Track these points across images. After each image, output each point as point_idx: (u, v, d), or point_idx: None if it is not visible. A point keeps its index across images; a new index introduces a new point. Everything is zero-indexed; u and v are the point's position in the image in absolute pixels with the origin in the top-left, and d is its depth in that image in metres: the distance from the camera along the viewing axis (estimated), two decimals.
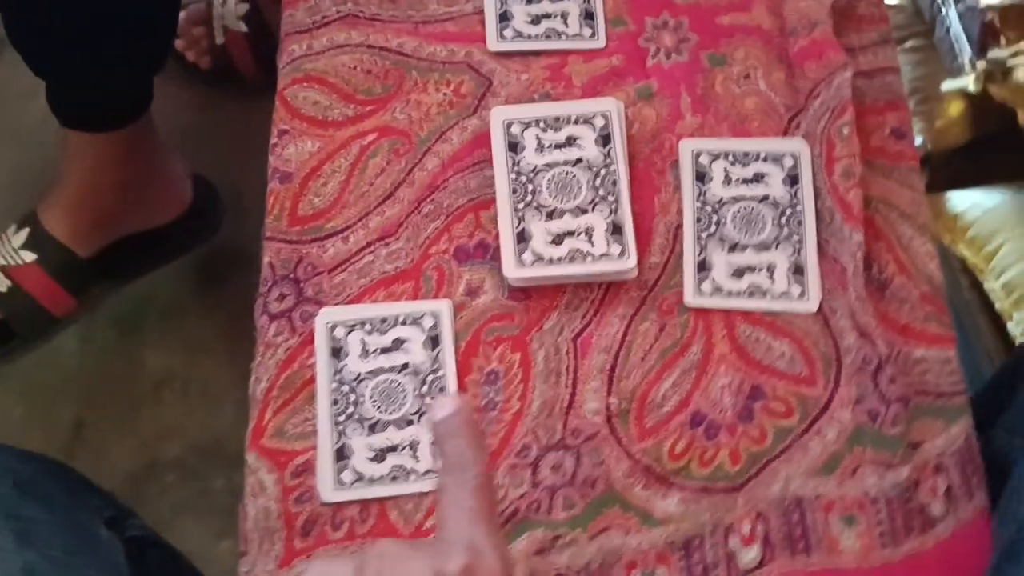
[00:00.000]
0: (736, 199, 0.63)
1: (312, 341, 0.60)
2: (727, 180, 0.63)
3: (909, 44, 1.07)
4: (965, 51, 0.90)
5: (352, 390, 0.58)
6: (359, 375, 0.59)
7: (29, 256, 1.01)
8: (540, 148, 0.63)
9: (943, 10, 0.94)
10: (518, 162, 0.62)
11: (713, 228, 0.62)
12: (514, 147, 0.63)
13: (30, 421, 1.15)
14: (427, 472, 0.56)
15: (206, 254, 1.18)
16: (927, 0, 0.98)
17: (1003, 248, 1.01)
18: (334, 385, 0.58)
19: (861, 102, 0.65)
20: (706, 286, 0.61)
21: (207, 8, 1.18)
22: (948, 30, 0.93)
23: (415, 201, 0.63)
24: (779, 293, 0.61)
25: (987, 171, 1.09)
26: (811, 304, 0.61)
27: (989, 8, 0.87)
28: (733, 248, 0.62)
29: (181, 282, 1.18)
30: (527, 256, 0.60)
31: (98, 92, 0.93)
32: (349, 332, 0.59)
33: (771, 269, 0.61)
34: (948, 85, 0.94)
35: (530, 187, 0.62)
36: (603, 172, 0.62)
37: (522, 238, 0.61)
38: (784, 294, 0.61)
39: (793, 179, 0.63)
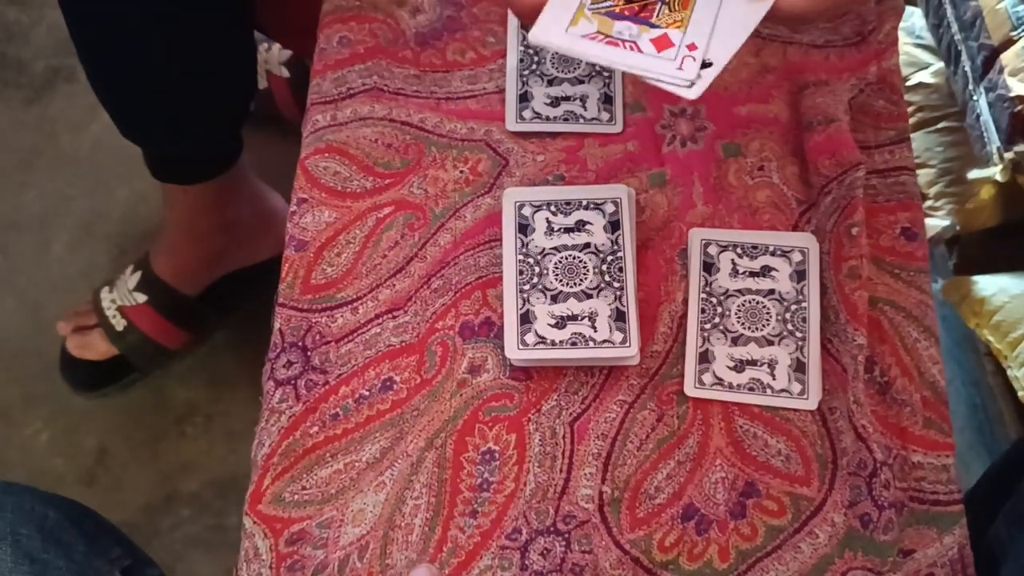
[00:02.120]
0: (742, 292, 0.63)
1: (315, 410, 0.61)
2: (734, 272, 0.64)
3: (942, 125, 1.07)
4: (994, 140, 0.90)
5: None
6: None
7: (141, 297, 1.09)
8: (549, 231, 0.64)
9: (974, 96, 0.94)
10: (527, 244, 0.63)
11: (717, 319, 0.63)
12: (524, 229, 0.64)
13: (55, 446, 1.18)
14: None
15: None
16: (960, 84, 0.98)
17: None
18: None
19: (874, 200, 0.66)
20: (707, 378, 0.62)
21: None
22: (978, 117, 0.93)
23: (425, 276, 0.65)
24: (779, 389, 0.61)
25: (1017, 256, 1.08)
26: (810, 403, 0.61)
27: (1020, 98, 0.87)
28: (736, 341, 0.62)
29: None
30: (530, 337, 0.61)
31: (187, 152, 0.97)
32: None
33: (772, 365, 0.62)
34: (975, 174, 0.93)
35: (537, 269, 0.63)
36: (610, 258, 0.63)
37: (526, 319, 0.62)
38: (784, 391, 0.61)
39: (800, 274, 0.63)
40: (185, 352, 1.16)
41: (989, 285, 1.04)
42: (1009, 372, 1.02)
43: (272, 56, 1.25)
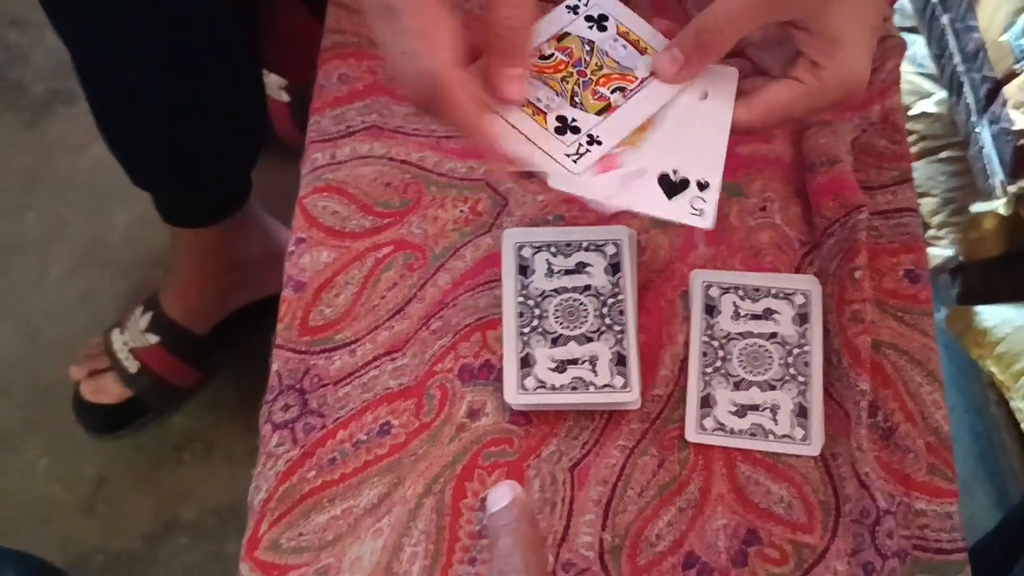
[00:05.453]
0: (744, 335, 0.63)
1: (313, 454, 0.61)
2: (736, 315, 0.63)
3: (944, 155, 1.06)
4: (997, 173, 0.89)
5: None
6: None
7: (153, 338, 1.09)
8: (549, 273, 0.63)
9: (977, 128, 0.93)
10: (527, 286, 0.63)
11: (719, 363, 0.62)
12: (524, 270, 0.63)
13: (53, 474, 1.18)
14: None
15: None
16: (963, 115, 0.97)
17: None
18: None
19: (876, 242, 0.65)
20: (708, 423, 0.61)
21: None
22: (981, 149, 0.92)
23: (424, 317, 0.64)
24: (781, 435, 0.60)
25: (1021, 283, 1.07)
26: (813, 448, 0.60)
27: (1022, 132, 0.86)
28: (738, 385, 0.62)
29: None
30: (529, 382, 0.60)
31: (199, 196, 0.97)
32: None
33: (775, 409, 0.61)
34: (978, 207, 0.93)
35: (537, 311, 0.62)
36: (611, 301, 0.62)
37: (526, 363, 0.61)
38: (786, 436, 0.60)
39: (803, 317, 0.63)
40: (197, 389, 1.16)
41: (992, 316, 1.04)
42: (1012, 404, 1.01)
43: (271, 80, 1.25)
